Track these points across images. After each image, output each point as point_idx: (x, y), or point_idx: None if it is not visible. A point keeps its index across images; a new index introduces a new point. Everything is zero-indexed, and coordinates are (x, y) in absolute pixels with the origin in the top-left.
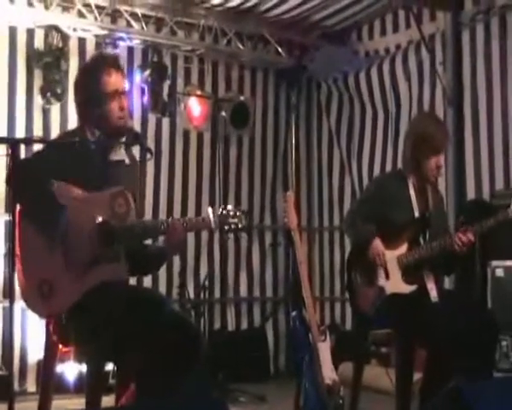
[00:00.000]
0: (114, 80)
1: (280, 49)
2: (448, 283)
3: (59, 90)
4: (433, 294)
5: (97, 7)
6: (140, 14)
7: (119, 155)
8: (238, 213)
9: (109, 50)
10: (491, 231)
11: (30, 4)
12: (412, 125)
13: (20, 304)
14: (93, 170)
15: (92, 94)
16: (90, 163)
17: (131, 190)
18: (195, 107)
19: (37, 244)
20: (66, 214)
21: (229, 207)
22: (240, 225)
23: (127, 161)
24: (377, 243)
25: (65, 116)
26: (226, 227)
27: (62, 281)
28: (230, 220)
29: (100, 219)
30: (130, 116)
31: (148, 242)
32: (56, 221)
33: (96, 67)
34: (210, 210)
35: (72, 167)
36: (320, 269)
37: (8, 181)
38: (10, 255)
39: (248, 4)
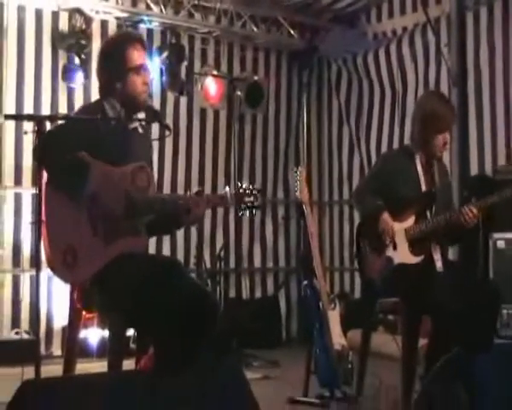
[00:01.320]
0: (139, 55)
1: (292, 32)
2: (452, 254)
3: (82, 70)
4: (439, 264)
5: None
6: None
7: (135, 123)
8: (254, 192)
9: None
10: (494, 205)
11: None
12: (420, 104)
13: (46, 272)
14: (114, 144)
15: (117, 66)
16: (112, 137)
17: (149, 160)
18: (212, 86)
19: (64, 214)
20: (91, 173)
21: (245, 185)
22: (255, 203)
23: (140, 129)
24: (386, 217)
25: (88, 95)
26: (243, 205)
27: (87, 249)
28: (247, 199)
29: (124, 191)
30: (150, 95)
31: None
32: (83, 179)
33: (123, 41)
34: (227, 189)
35: (95, 141)
36: (330, 241)
37: (35, 154)
38: (37, 226)
39: None
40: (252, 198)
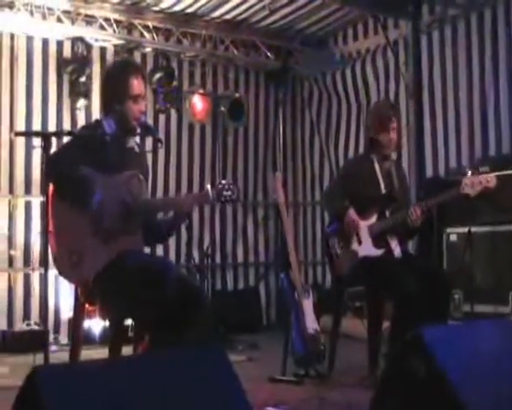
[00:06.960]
0: (139, 85)
1: (269, 54)
2: (410, 248)
3: (84, 91)
4: (397, 251)
5: (116, 21)
6: (151, 26)
7: (132, 143)
8: (231, 186)
9: (127, 57)
10: (444, 203)
11: (59, 20)
12: (369, 110)
13: (54, 271)
14: (112, 157)
15: (118, 91)
16: (110, 151)
17: (143, 172)
18: (198, 103)
19: (69, 221)
20: (96, 186)
21: (224, 181)
22: (233, 196)
23: (137, 149)
24: (351, 212)
25: (89, 113)
26: (222, 198)
27: (90, 251)
28: (225, 192)
29: (119, 197)
30: (144, 113)
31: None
32: (91, 193)
33: (127, 70)
34: (208, 186)
35: (95, 155)
36: (304, 237)
37: (44, 170)
38: (45, 231)
39: (242, 17)
40: (229, 192)
